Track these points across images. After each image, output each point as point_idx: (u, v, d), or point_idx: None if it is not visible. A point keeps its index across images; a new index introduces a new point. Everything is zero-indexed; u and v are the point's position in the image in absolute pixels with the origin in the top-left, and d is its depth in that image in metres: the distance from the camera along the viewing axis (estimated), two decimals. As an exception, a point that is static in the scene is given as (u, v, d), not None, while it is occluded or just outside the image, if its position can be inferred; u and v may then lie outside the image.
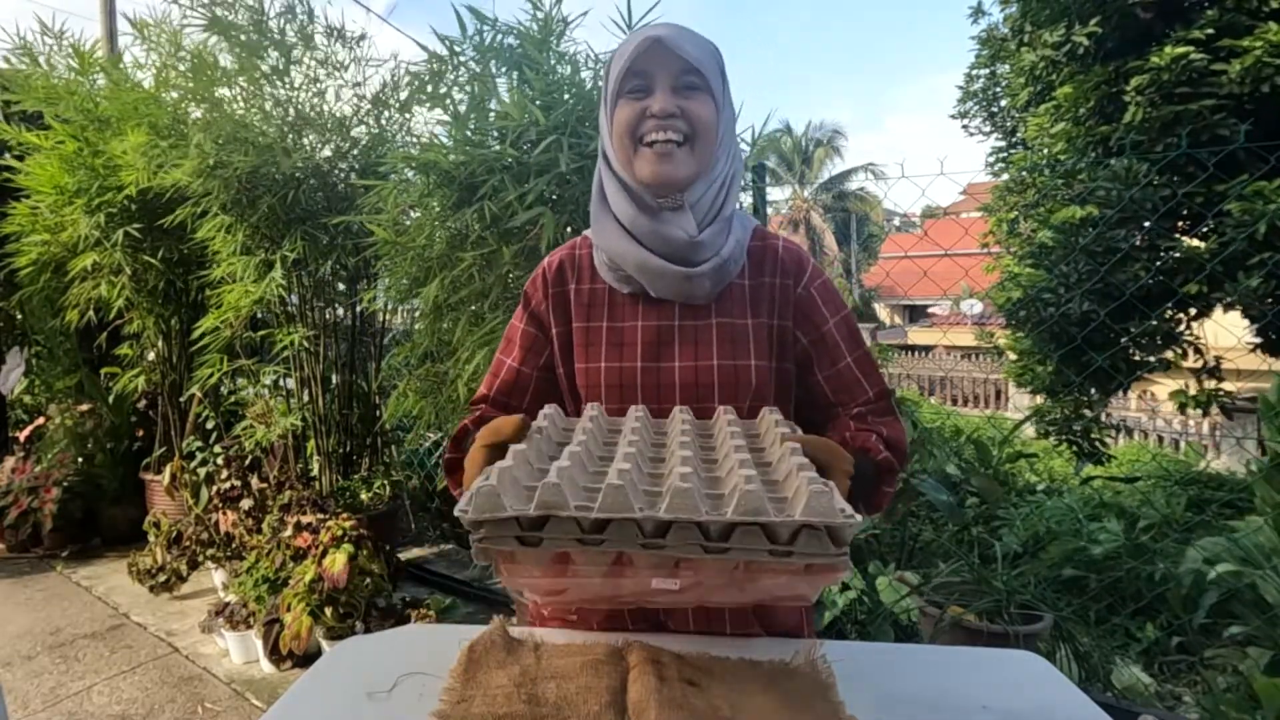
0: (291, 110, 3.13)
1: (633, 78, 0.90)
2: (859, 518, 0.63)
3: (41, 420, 4.21)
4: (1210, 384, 4.11)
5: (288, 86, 3.12)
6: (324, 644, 2.51)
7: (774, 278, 0.98)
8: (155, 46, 3.36)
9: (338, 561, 2.49)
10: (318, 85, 3.17)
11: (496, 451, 0.78)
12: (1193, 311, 4.11)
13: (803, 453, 0.73)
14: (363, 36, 3.25)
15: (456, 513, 0.65)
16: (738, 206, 1.02)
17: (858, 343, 0.98)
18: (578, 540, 0.64)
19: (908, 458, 0.92)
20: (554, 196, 2.17)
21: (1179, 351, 4.12)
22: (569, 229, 2.14)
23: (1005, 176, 6.08)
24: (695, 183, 0.92)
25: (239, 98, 3.13)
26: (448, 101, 2.40)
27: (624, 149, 0.91)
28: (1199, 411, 4.14)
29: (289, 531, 2.73)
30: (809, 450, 0.74)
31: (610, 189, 0.96)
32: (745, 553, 0.63)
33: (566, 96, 2.20)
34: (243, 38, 2.97)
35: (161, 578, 3.15)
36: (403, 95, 3.22)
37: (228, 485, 3.21)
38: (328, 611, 2.48)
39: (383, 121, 3.29)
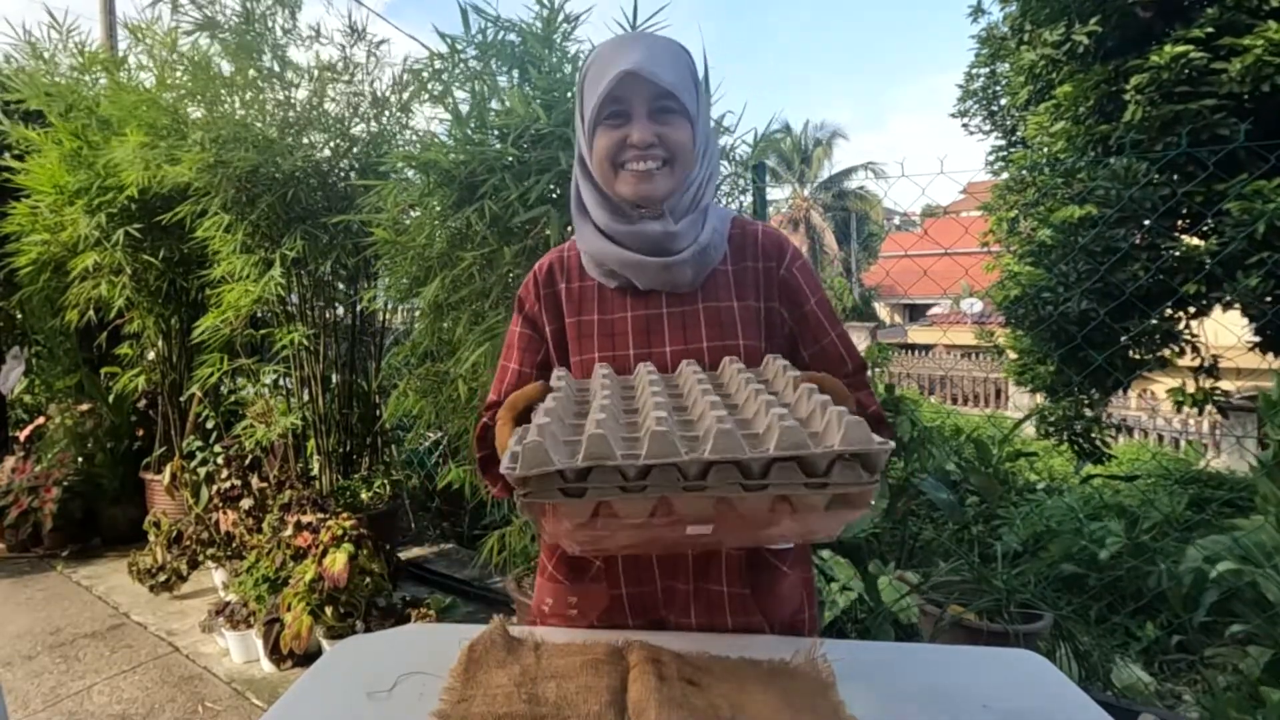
0: (291, 111, 3.12)
1: (610, 104, 0.92)
2: (892, 444, 0.65)
3: (42, 420, 4.20)
4: (1207, 383, 4.11)
5: (285, 86, 3.12)
6: (324, 643, 2.51)
7: (756, 261, 1.01)
8: (151, 49, 3.36)
9: (338, 561, 2.49)
10: (316, 84, 3.17)
11: (523, 417, 0.82)
12: (1192, 310, 4.11)
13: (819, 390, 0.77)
14: (363, 33, 3.24)
15: (503, 470, 0.66)
16: (717, 202, 1.05)
17: (836, 320, 1.04)
18: (621, 488, 0.65)
19: (885, 427, 0.96)
20: (555, 195, 2.17)
21: (1176, 350, 4.12)
22: (568, 228, 2.14)
23: (1005, 175, 6.07)
24: (673, 194, 0.96)
25: (237, 97, 3.12)
26: (449, 100, 2.40)
27: (604, 172, 0.95)
28: (1196, 410, 4.14)
29: (289, 531, 2.73)
30: (822, 388, 0.78)
31: (589, 199, 0.99)
32: (783, 487, 0.65)
33: (569, 95, 2.19)
34: (234, 38, 2.97)
35: (162, 577, 3.15)
36: (404, 95, 3.21)
37: (228, 485, 3.21)
38: (328, 611, 2.48)
39: (383, 120, 3.29)
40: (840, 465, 0.64)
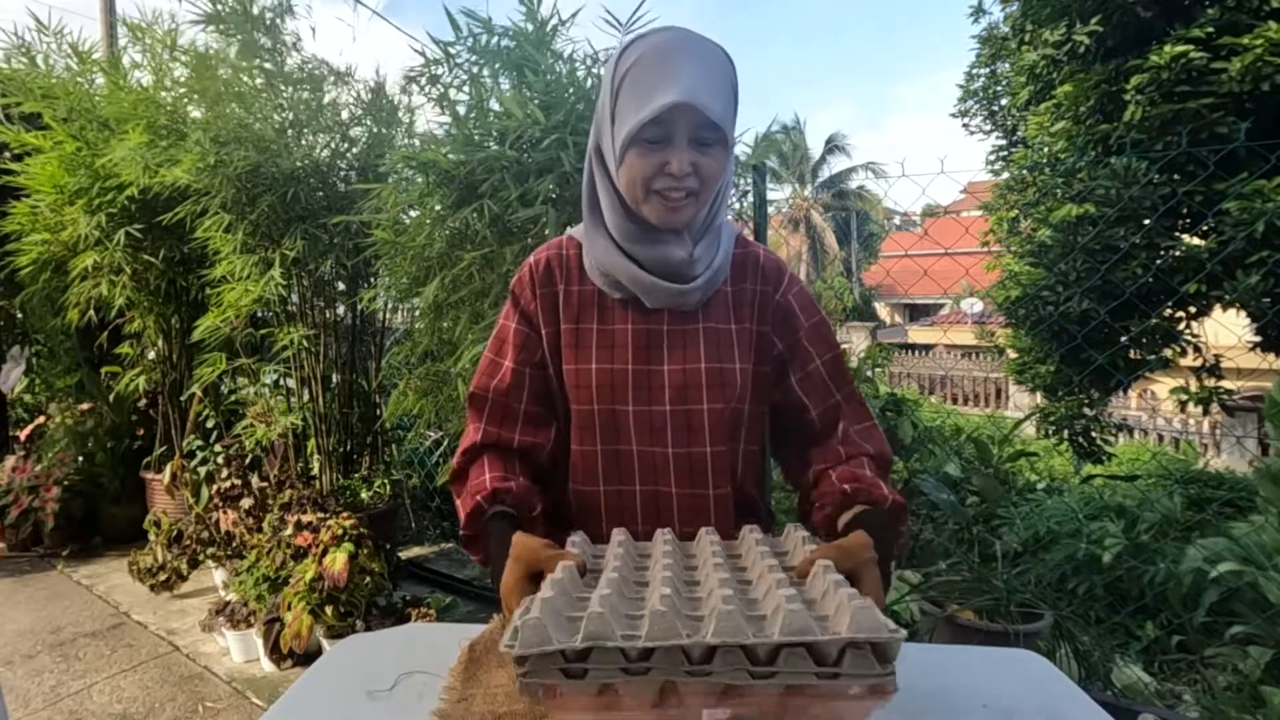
0: (290, 112, 3.12)
1: (652, 126, 0.87)
2: (904, 632, 0.62)
3: (42, 419, 4.21)
4: (1210, 382, 4.11)
5: (286, 88, 3.12)
6: (324, 643, 2.51)
7: (755, 284, 1.01)
8: (150, 48, 3.36)
9: (338, 560, 2.50)
10: (317, 87, 3.17)
11: (531, 582, 0.78)
12: (1192, 310, 4.10)
13: (834, 567, 0.72)
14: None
15: (502, 648, 0.63)
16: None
17: (830, 346, 1.01)
18: (623, 670, 0.62)
19: (893, 459, 0.94)
20: (554, 195, 2.16)
21: (1178, 350, 4.12)
22: (568, 227, 2.13)
23: (1005, 175, 6.08)
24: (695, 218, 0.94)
25: (237, 97, 3.12)
26: (445, 104, 2.40)
27: (633, 192, 0.91)
28: (1199, 410, 4.14)
29: (289, 530, 2.73)
30: (837, 561, 0.73)
31: (605, 200, 0.95)
32: (792, 675, 0.61)
33: (568, 94, 2.19)
34: (238, 33, 2.97)
35: (162, 576, 3.15)
36: (401, 100, 3.21)
37: (228, 484, 3.21)
38: (328, 610, 2.48)
39: (382, 122, 3.29)
40: (851, 654, 0.61)
